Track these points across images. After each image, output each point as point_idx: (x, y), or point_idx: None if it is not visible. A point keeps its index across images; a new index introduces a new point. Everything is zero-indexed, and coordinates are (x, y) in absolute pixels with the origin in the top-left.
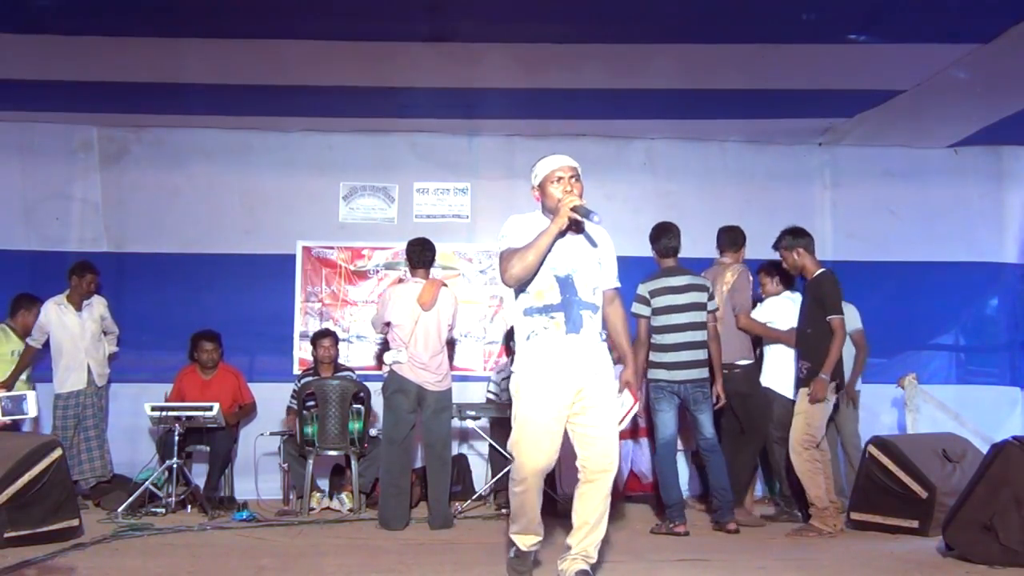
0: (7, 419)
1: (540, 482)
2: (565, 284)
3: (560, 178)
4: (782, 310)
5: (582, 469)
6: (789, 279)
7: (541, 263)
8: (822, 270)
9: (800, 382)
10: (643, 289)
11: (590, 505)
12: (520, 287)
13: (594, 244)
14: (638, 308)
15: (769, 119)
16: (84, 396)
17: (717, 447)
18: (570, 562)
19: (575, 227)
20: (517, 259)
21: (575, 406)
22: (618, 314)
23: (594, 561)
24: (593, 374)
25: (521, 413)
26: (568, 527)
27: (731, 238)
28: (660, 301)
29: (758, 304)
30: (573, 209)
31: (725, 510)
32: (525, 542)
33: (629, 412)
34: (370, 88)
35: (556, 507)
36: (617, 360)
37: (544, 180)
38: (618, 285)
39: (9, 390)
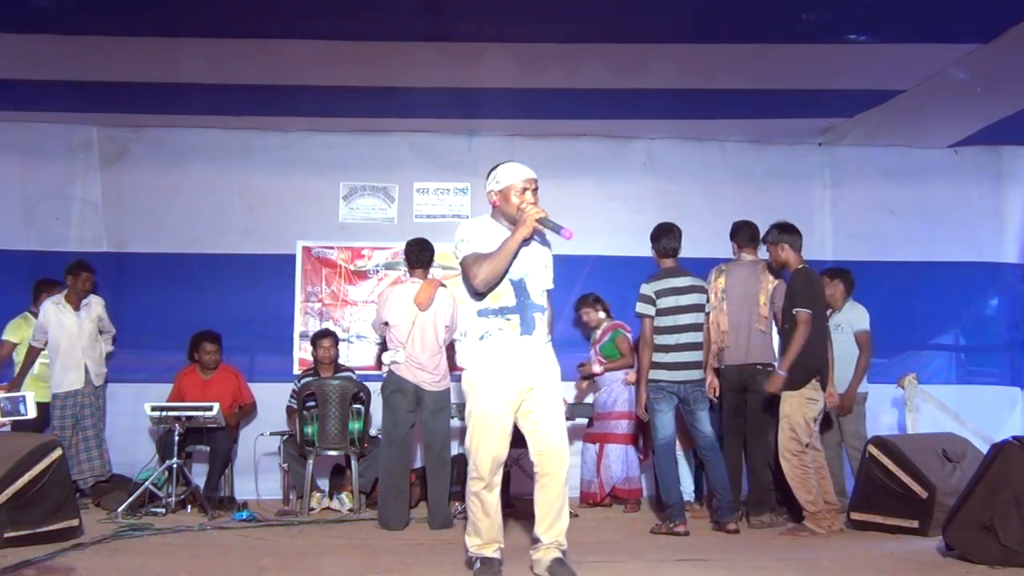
0: (6, 420)
1: (498, 479)
2: (519, 288)
3: (524, 189)
4: None
5: (538, 463)
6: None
7: (508, 269)
8: (800, 266)
9: (785, 386)
10: (648, 289)
11: (551, 495)
12: (478, 290)
13: (546, 246)
14: (643, 308)
15: (769, 119)
16: (82, 396)
17: (716, 446)
18: (544, 551)
19: (537, 236)
20: (487, 265)
21: (525, 403)
22: (549, 310)
23: (566, 547)
24: (542, 373)
25: (477, 408)
26: None
27: (751, 234)
28: (665, 302)
29: None
30: (541, 222)
31: (725, 510)
32: (488, 551)
33: None
34: (370, 88)
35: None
36: None
37: (507, 189)
38: (552, 287)
39: (18, 390)
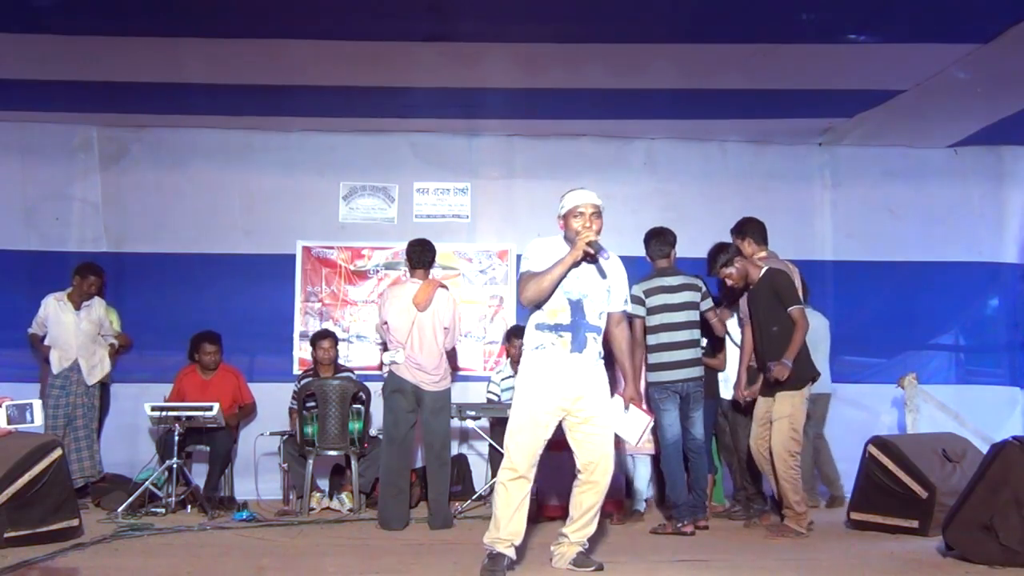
0: (11, 427)
1: (529, 474)
2: (576, 307)
3: (581, 213)
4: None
5: (584, 470)
6: None
7: (555, 288)
8: (766, 268)
9: (777, 386)
10: (637, 289)
11: (590, 500)
12: (524, 305)
13: (603, 275)
14: (633, 308)
15: (769, 119)
16: (74, 396)
17: (703, 448)
18: (568, 547)
19: (589, 257)
20: (533, 283)
21: (575, 414)
22: (623, 335)
23: (587, 548)
24: (590, 386)
25: (521, 408)
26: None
27: (762, 230)
28: (654, 300)
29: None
30: (588, 244)
31: (699, 507)
32: (501, 546)
33: (646, 429)
34: (370, 88)
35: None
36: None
37: (568, 212)
38: (626, 308)
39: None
